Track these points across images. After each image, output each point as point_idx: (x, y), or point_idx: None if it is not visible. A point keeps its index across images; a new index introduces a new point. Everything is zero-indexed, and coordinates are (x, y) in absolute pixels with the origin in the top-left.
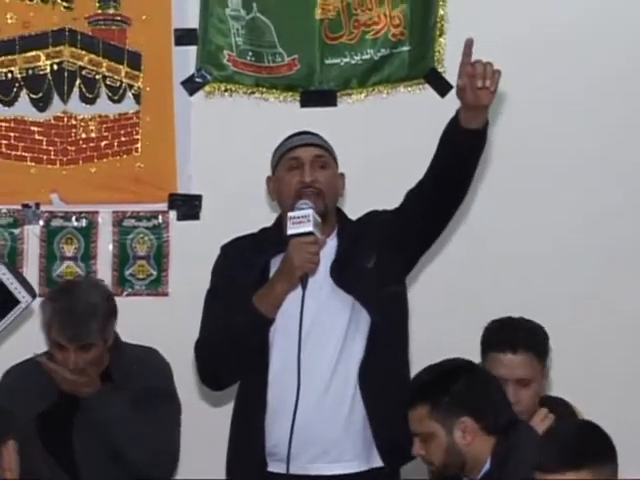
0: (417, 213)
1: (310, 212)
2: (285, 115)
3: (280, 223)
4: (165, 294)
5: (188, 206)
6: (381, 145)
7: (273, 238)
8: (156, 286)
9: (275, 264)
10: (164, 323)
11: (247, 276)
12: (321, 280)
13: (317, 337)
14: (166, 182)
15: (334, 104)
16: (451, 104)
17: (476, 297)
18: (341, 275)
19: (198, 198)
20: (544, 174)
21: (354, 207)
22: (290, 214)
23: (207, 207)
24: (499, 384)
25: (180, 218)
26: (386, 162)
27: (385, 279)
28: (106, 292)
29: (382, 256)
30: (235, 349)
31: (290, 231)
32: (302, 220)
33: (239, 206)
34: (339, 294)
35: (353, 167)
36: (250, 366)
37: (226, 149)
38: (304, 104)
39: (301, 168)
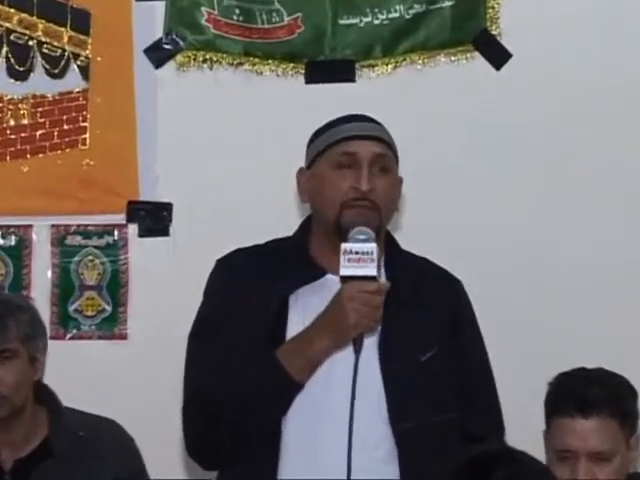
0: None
1: (374, 247)
2: (285, 94)
3: (306, 233)
4: (123, 337)
5: (154, 218)
6: (415, 134)
7: (295, 258)
8: (111, 326)
9: (298, 300)
10: (122, 377)
11: (256, 314)
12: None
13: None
14: (124, 185)
15: (351, 79)
16: (508, 78)
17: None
18: (387, 361)
19: (167, 207)
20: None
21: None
22: (346, 246)
23: (180, 219)
24: (551, 475)
25: (143, 234)
26: (422, 156)
27: (436, 389)
28: (32, 305)
29: (441, 352)
30: (245, 416)
31: (346, 271)
32: (363, 258)
33: (224, 218)
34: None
35: None
36: (262, 439)
37: (206, 140)
38: (311, 79)
39: (356, 169)
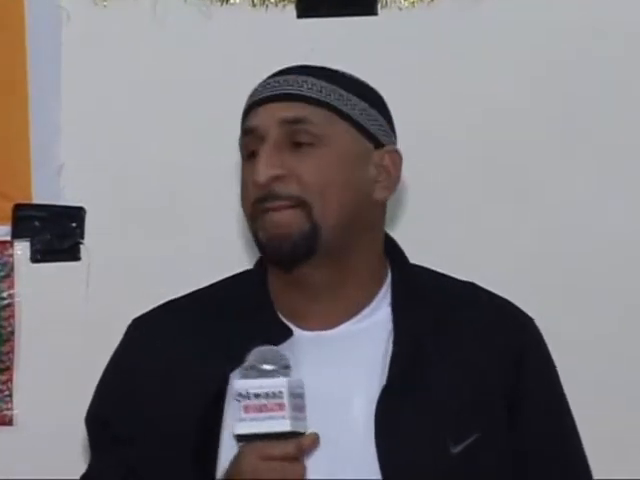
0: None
1: (284, 383)
2: (266, 34)
3: (262, 271)
4: (7, 421)
5: (56, 231)
6: (467, 91)
7: (250, 311)
8: None
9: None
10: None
11: (181, 408)
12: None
13: None
14: (8, 180)
15: (370, 11)
16: (602, 6)
17: None
18: (394, 458)
19: (77, 215)
20: None
21: (407, 210)
22: (240, 386)
23: (96, 233)
24: None
25: (39, 257)
26: (476, 123)
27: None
28: None
29: (487, 438)
30: None
31: (242, 428)
32: (267, 404)
33: (167, 230)
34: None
35: (404, 133)
36: None
37: (139, 109)
38: (305, 11)
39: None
